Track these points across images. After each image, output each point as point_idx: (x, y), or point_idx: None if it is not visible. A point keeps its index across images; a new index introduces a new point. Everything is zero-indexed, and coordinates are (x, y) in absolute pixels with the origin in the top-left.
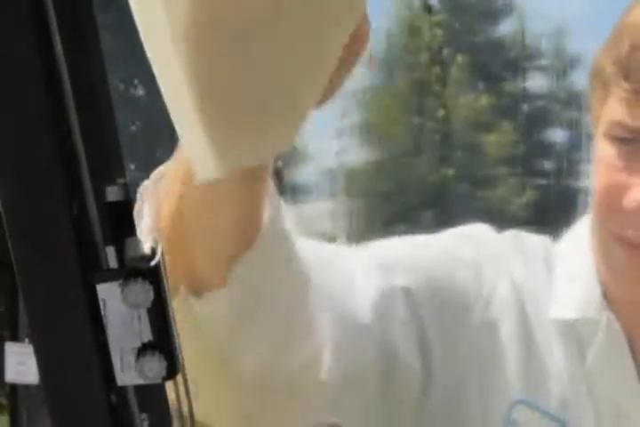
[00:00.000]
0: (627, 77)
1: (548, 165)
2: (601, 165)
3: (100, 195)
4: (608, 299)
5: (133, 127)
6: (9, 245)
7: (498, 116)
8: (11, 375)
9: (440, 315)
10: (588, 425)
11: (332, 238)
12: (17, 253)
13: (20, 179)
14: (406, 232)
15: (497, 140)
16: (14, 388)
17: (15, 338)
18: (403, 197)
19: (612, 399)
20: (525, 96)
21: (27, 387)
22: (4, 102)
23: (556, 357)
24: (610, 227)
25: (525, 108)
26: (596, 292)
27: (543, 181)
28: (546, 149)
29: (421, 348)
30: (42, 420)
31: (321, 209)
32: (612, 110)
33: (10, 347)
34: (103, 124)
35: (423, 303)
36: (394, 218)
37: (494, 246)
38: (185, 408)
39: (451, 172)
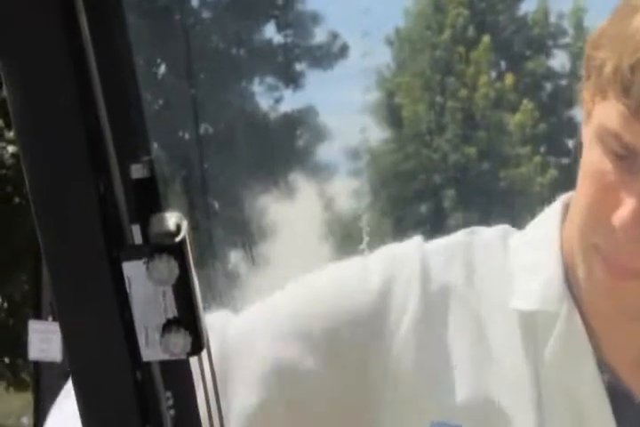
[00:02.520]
0: (627, 93)
1: (571, 143)
2: (591, 171)
3: (125, 172)
4: (572, 288)
5: (156, 106)
6: (35, 223)
7: (521, 95)
8: (34, 353)
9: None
10: (523, 423)
11: (356, 217)
12: (43, 232)
13: (46, 157)
14: (428, 211)
15: (520, 119)
16: (38, 366)
17: (39, 316)
18: (425, 175)
19: (567, 390)
20: (548, 75)
21: (50, 365)
22: (30, 81)
23: (502, 350)
24: (593, 237)
25: (548, 86)
26: (558, 281)
27: (566, 160)
28: (569, 128)
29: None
30: None
31: (344, 187)
32: (606, 115)
33: (33, 325)
34: (129, 102)
35: (325, 362)
36: (417, 196)
37: (415, 258)
38: (210, 386)
39: (473, 150)
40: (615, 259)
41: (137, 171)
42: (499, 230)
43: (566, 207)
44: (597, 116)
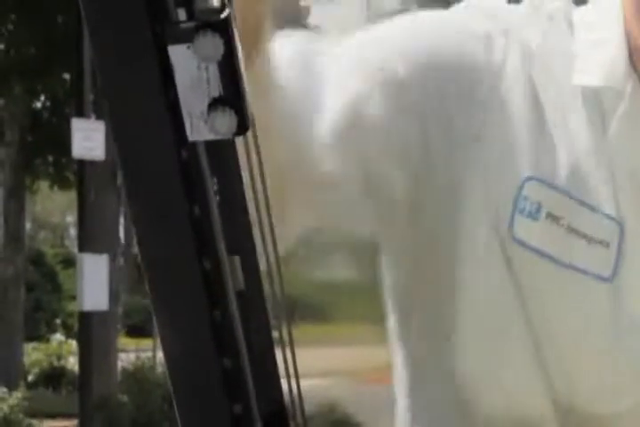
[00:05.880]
0: None
1: None
2: None
3: None
4: (635, 67)
5: None
6: (80, 4)
7: None
8: (78, 151)
9: (441, 99)
10: (605, 197)
11: (399, 12)
12: (88, 13)
13: None
14: None
15: None
16: (81, 164)
17: (81, 114)
18: None
19: (632, 170)
20: None
21: (93, 162)
22: None
23: (574, 126)
24: None
25: None
26: (622, 59)
27: None
28: None
29: (421, 138)
30: (108, 194)
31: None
32: None
33: (76, 123)
34: None
35: (419, 91)
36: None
37: (506, 16)
38: (255, 167)
39: None
40: None
41: None
42: (562, 3)
43: None
44: None
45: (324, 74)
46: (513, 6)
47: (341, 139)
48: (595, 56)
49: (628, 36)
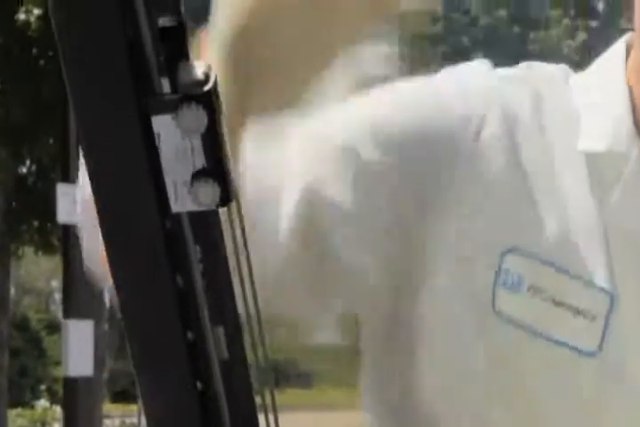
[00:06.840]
0: None
1: (601, 6)
2: None
3: (153, 20)
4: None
5: None
6: (65, 77)
7: None
8: (63, 217)
9: (416, 178)
10: (596, 267)
11: (385, 79)
12: (72, 83)
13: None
14: None
15: None
16: (66, 229)
17: (67, 179)
18: (454, 38)
19: (634, 237)
20: None
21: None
22: None
23: (569, 192)
24: None
25: None
26: (627, 123)
27: (596, 23)
28: None
29: (393, 220)
30: None
31: (371, 51)
32: None
33: (62, 188)
34: None
35: (392, 172)
36: (446, 59)
37: (488, 78)
38: (238, 237)
39: (503, 13)
40: None
41: (165, 20)
42: (558, 67)
43: (629, 48)
44: None
45: (281, 161)
46: (501, 69)
47: (304, 225)
48: (598, 121)
49: (633, 100)
